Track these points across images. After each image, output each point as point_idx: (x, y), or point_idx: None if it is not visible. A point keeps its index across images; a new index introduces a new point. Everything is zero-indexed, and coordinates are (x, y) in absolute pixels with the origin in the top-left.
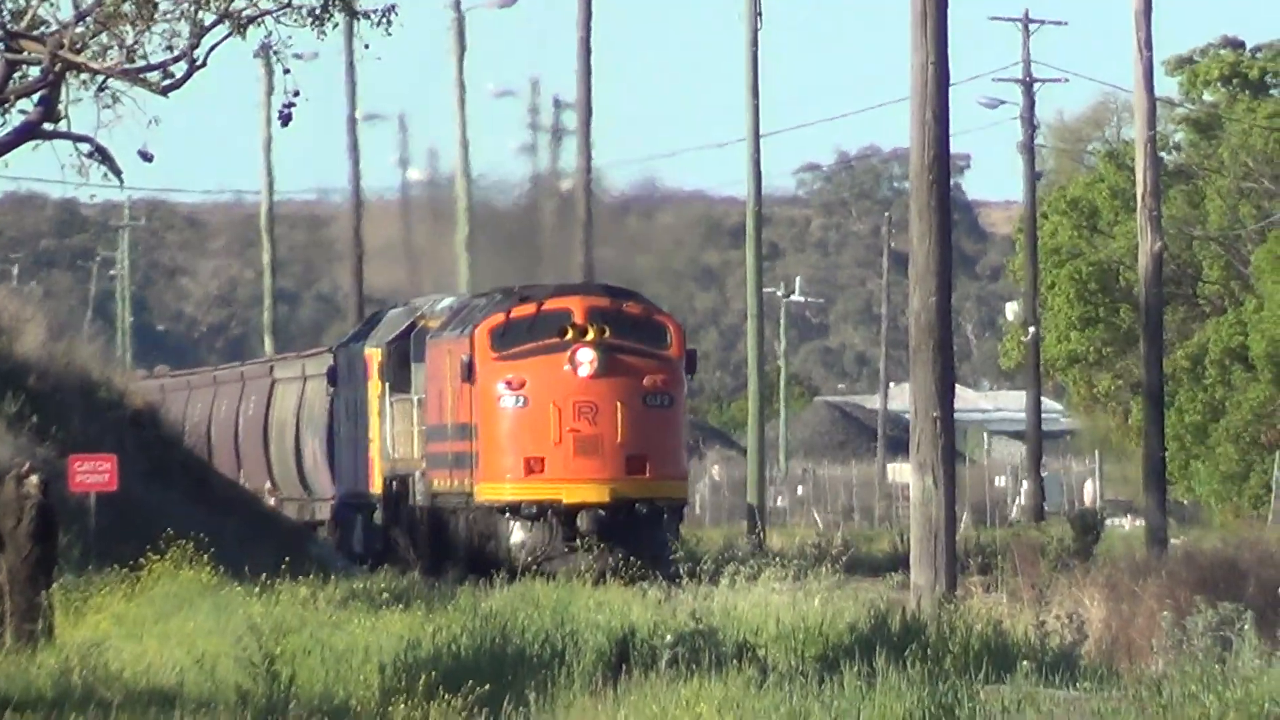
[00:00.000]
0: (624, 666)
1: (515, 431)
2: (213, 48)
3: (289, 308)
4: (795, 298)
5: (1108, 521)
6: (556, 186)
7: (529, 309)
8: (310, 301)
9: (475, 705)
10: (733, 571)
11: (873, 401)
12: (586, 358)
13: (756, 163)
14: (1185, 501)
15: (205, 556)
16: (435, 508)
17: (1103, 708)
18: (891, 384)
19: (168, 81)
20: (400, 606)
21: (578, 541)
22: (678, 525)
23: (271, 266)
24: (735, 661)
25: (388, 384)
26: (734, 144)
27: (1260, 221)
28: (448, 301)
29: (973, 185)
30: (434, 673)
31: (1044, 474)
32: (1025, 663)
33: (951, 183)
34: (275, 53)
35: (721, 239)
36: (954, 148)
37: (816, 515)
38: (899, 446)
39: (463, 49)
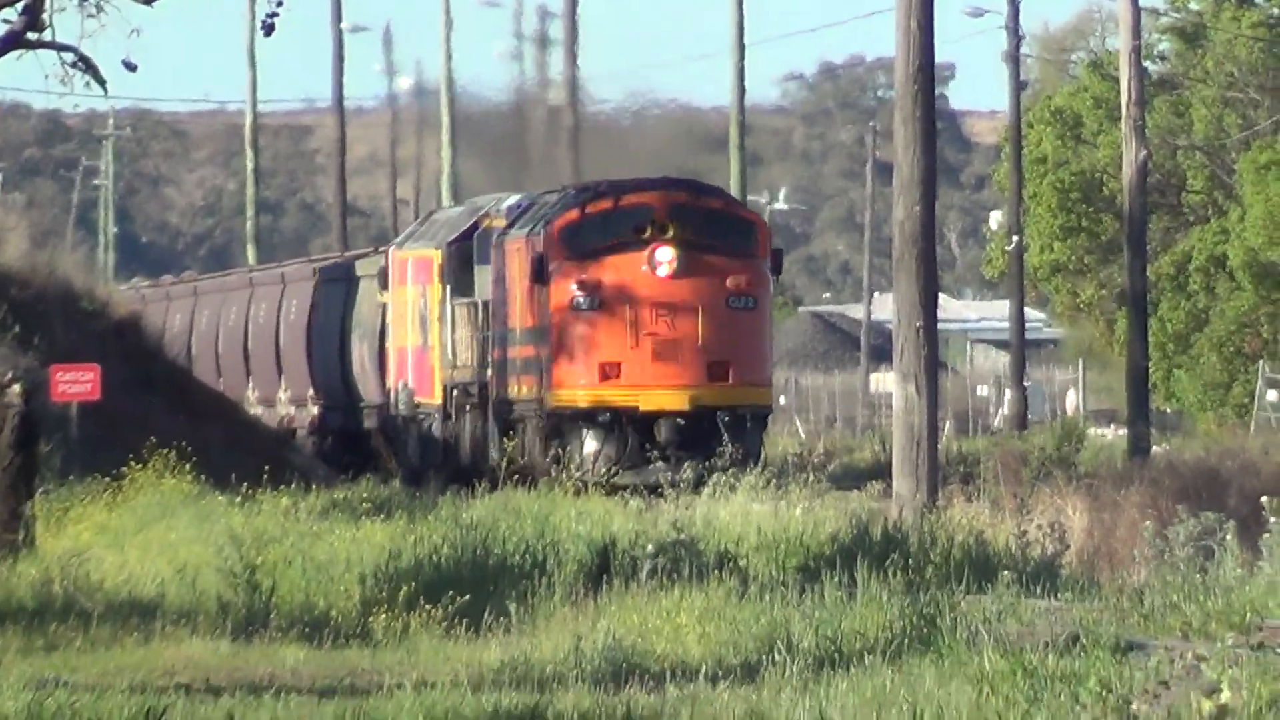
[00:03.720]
0: (605, 576)
1: (590, 335)
2: None
3: (272, 217)
4: (779, 206)
5: (1091, 430)
6: (542, 95)
7: (605, 204)
8: (294, 211)
9: (455, 615)
10: (715, 481)
11: (857, 311)
12: (666, 257)
13: (740, 72)
14: (1168, 410)
15: (187, 466)
16: (504, 416)
17: (1085, 617)
18: (875, 293)
19: None
20: (381, 516)
21: (655, 451)
22: (761, 435)
23: (255, 176)
24: (716, 572)
25: (449, 287)
26: (718, 55)
27: (1245, 131)
28: (514, 199)
29: (957, 95)
30: (414, 583)
31: (1027, 383)
32: (1006, 573)
33: (936, 92)
34: None
35: (707, 147)
36: (939, 57)
37: (799, 424)
38: (883, 356)
39: None
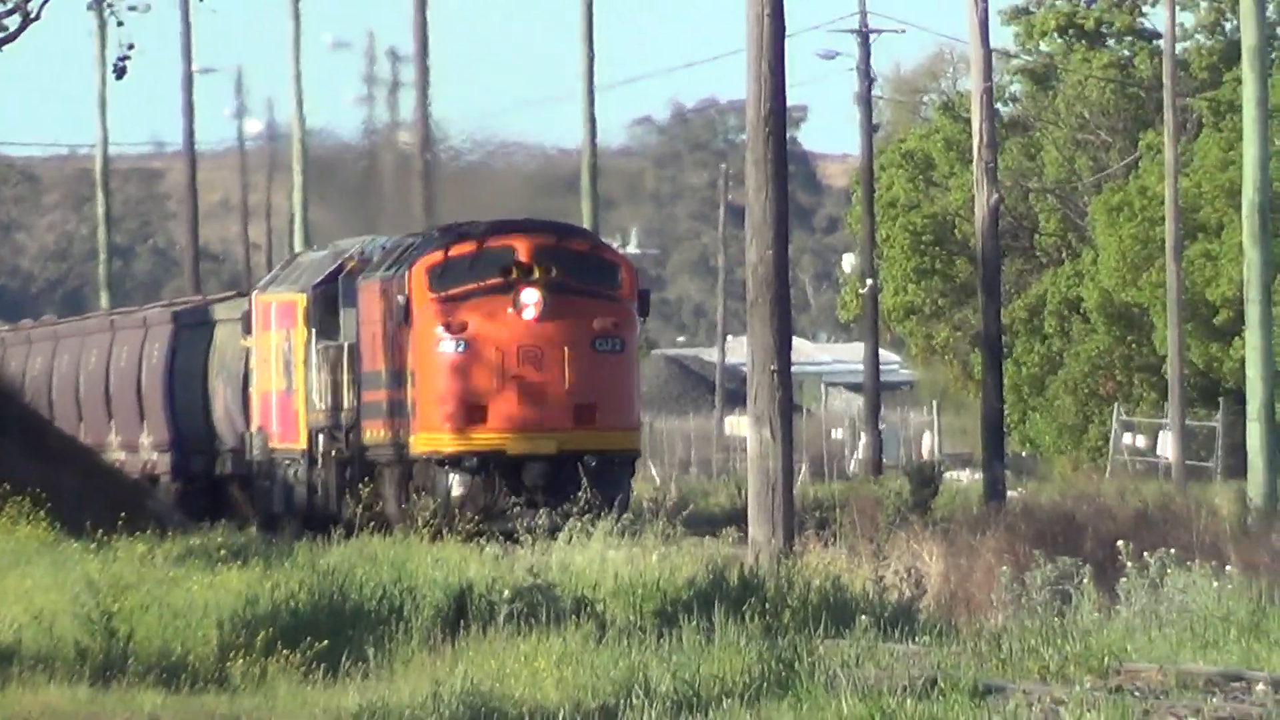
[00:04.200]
0: (462, 622)
1: (455, 378)
2: (46, 1)
3: (124, 262)
4: (632, 249)
5: (946, 474)
6: (394, 139)
7: (469, 246)
8: (146, 255)
9: (314, 661)
10: (571, 527)
11: (710, 354)
12: (532, 299)
13: (592, 116)
14: (1024, 453)
15: (42, 513)
16: (367, 460)
17: (943, 661)
18: (729, 336)
19: (2, 35)
20: (238, 563)
21: (522, 496)
22: (629, 479)
23: (106, 221)
24: (573, 617)
25: (313, 330)
26: (571, 98)
27: (1096, 174)
28: (379, 241)
29: (809, 137)
30: (272, 629)
31: (882, 426)
32: (864, 618)
33: (788, 135)
34: (109, 5)
35: (559, 189)
36: (791, 100)
37: (653, 468)
38: (737, 399)
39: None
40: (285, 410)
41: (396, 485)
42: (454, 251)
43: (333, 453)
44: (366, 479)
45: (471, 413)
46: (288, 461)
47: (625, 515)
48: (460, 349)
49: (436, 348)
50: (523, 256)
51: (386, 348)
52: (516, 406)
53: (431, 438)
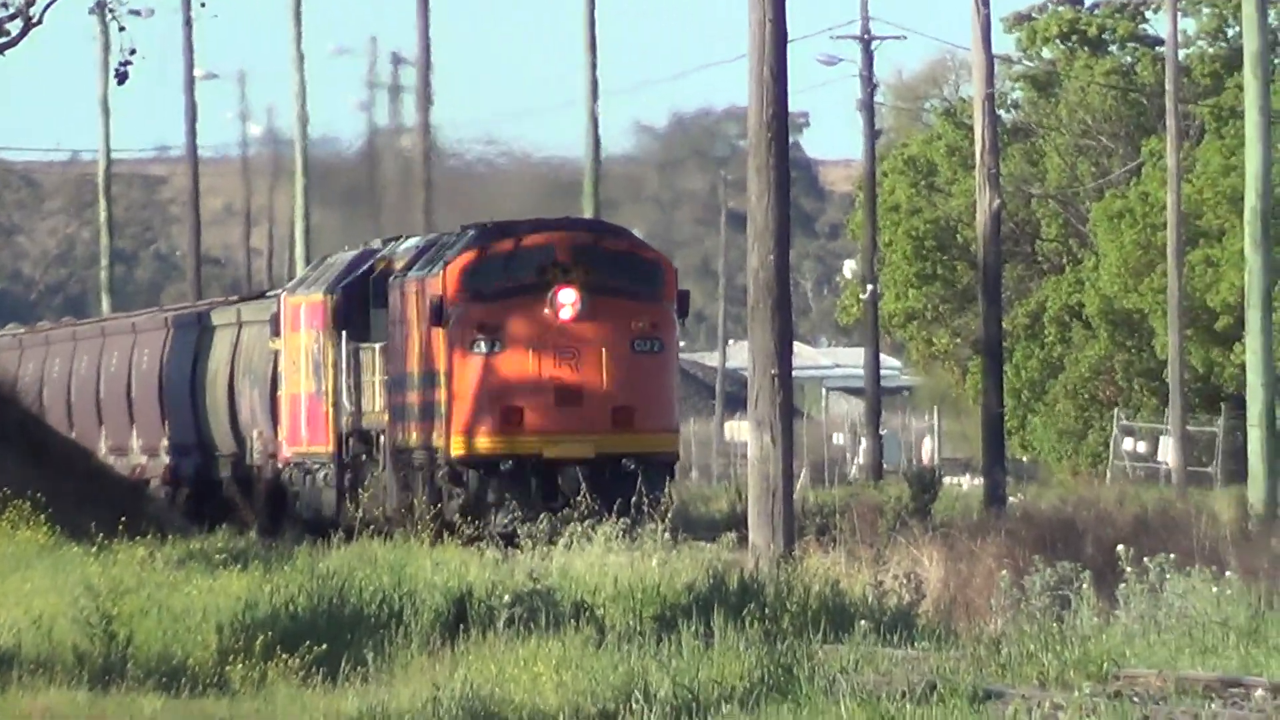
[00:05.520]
0: (462, 626)
1: (490, 379)
2: (48, 5)
3: (126, 267)
4: None
5: (946, 480)
6: (396, 144)
7: (505, 245)
8: (148, 261)
9: (313, 665)
10: (570, 532)
11: (711, 359)
12: (569, 299)
13: (594, 121)
14: (1025, 459)
15: (41, 516)
16: (400, 464)
17: (942, 666)
18: (730, 341)
19: (3, 40)
20: (238, 567)
21: (558, 499)
22: (666, 482)
23: (108, 226)
24: (573, 621)
25: (344, 332)
26: (572, 104)
27: (1098, 179)
28: (411, 242)
29: (811, 143)
30: (271, 633)
31: (883, 431)
32: (863, 622)
33: (790, 141)
34: (111, 10)
35: (560, 194)
36: (793, 106)
37: None
38: (738, 404)
39: (299, 3)
40: (314, 413)
41: (430, 488)
42: (488, 251)
43: (363, 456)
44: (404, 482)
45: (507, 415)
46: (317, 465)
47: (667, 520)
48: (495, 350)
49: (471, 349)
50: (559, 256)
51: (419, 349)
52: (553, 409)
53: (466, 440)
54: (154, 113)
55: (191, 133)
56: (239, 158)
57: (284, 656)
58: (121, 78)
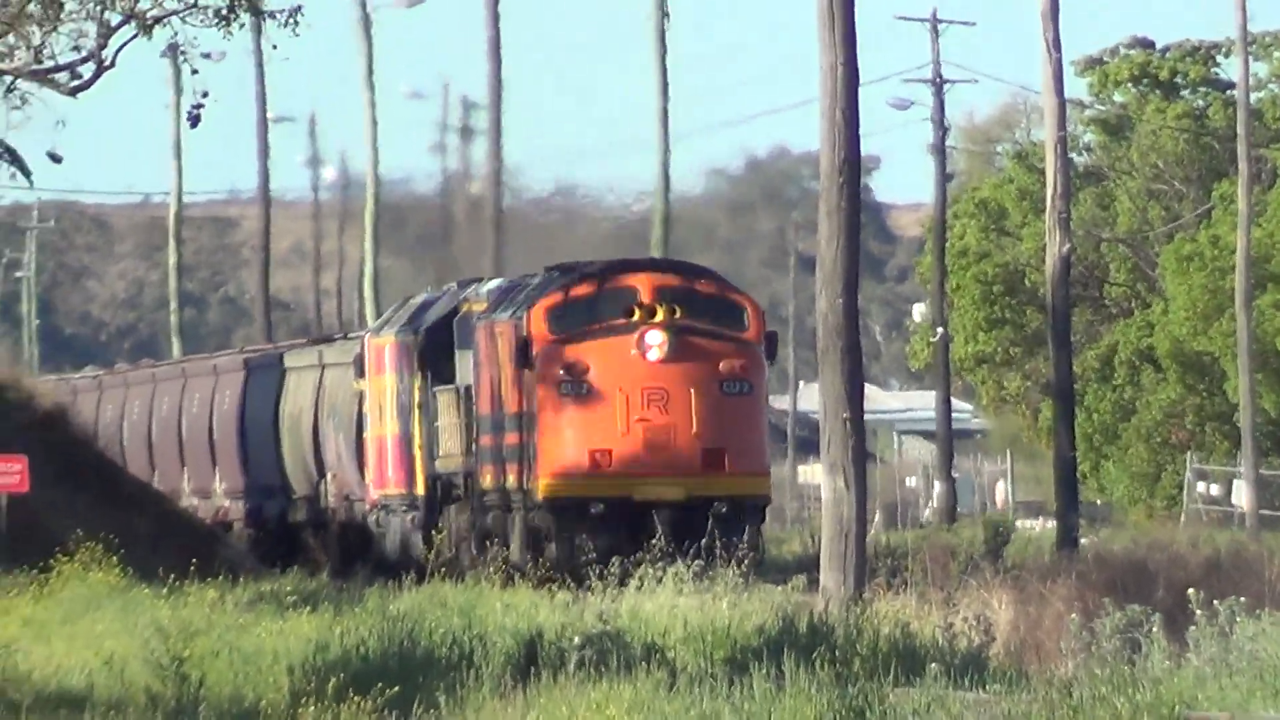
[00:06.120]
0: (532, 668)
1: (578, 421)
2: (120, 48)
3: (195, 311)
4: None
5: (1019, 523)
6: (466, 188)
7: (589, 287)
8: (217, 305)
9: (385, 707)
10: (641, 574)
11: (782, 402)
12: (656, 340)
13: (665, 164)
14: (1099, 502)
15: (114, 558)
16: (486, 506)
17: (1013, 710)
18: (801, 384)
19: (76, 82)
20: (308, 609)
21: (649, 543)
22: (759, 526)
23: (178, 269)
24: (644, 664)
25: (429, 373)
26: (643, 145)
27: (1169, 223)
28: (495, 283)
29: (881, 186)
30: (343, 675)
31: (956, 475)
32: (934, 665)
33: (861, 184)
34: (183, 53)
35: (628, 239)
36: (864, 149)
37: None
38: (809, 447)
39: (370, 47)
40: (400, 455)
41: (517, 531)
42: (574, 292)
43: (452, 498)
44: (490, 525)
45: (596, 457)
46: (403, 507)
47: (759, 565)
48: (583, 391)
49: (558, 390)
50: (645, 297)
51: (505, 390)
52: (643, 450)
53: (555, 483)
54: (226, 155)
55: (264, 175)
56: (309, 201)
57: (356, 698)
58: (194, 121)
